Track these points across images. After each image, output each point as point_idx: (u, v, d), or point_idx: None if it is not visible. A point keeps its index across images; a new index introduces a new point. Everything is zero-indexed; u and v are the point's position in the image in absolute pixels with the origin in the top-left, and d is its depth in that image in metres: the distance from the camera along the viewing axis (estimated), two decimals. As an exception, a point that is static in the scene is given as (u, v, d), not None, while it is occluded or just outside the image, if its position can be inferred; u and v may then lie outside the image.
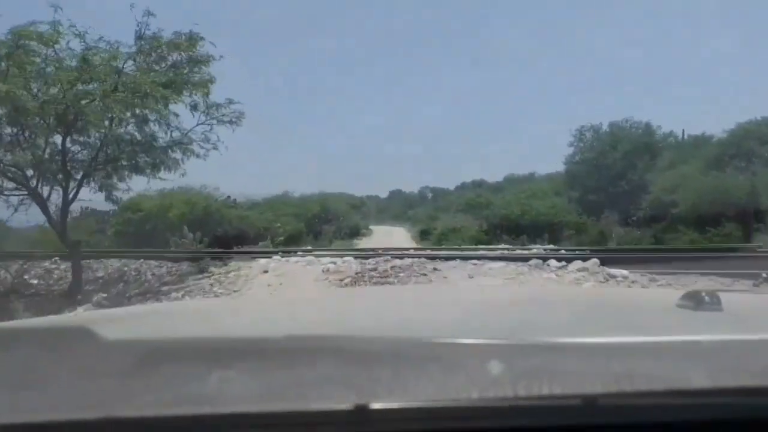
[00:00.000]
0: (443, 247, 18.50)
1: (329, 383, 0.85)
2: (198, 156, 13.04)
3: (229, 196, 24.08)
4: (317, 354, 0.97)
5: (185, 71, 12.11)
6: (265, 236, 21.10)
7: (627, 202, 31.42)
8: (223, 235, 19.42)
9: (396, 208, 72.11)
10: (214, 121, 12.77)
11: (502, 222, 20.26)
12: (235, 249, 17.34)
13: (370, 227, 52.40)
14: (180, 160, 13.15)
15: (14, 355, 1.15)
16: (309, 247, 18.36)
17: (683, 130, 36.69)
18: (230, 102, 12.90)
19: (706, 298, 1.29)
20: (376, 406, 0.74)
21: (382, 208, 74.86)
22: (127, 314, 1.86)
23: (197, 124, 12.79)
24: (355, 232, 42.64)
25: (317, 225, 34.97)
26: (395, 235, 42.24)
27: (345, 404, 0.74)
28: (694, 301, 1.29)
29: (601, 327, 1.27)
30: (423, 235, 32.21)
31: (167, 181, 13.21)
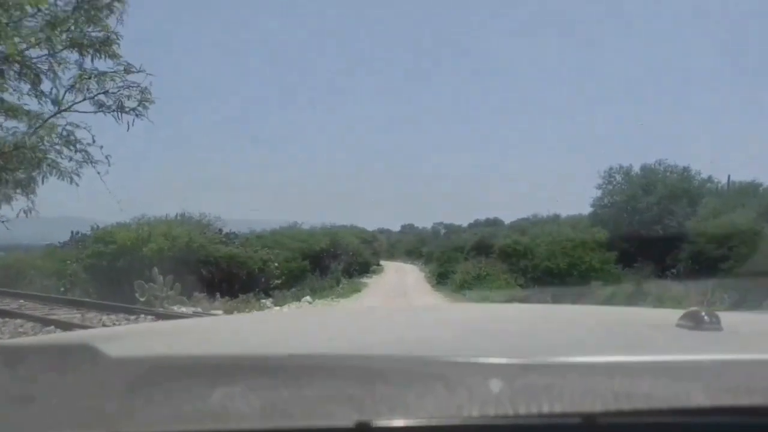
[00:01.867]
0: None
1: (331, 401, 0.84)
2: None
3: (220, 230, 20.40)
4: (320, 371, 0.94)
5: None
6: (259, 278, 17.46)
7: (663, 252, 27.62)
8: (209, 277, 15.80)
9: (408, 243, 68.62)
10: None
11: (543, 276, 16.44)
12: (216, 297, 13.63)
13: (381, 263, 48.87)
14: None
15: (16, 372, 1.11)
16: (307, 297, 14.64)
17: (729, 176, 32.78)
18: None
19: (706, 317, 1.23)
20: (378, 423, 0.73)
21: (394, 243, 71.56)
22: (129, 332, 1.75)
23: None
24: (365, 269, 39.09)
25: (325, 260, 31.47)
26: (408, 274, 38.66)
27: (347, 422, 0.73)
28: (694, 320, 1.24)
29: (601, 346, 1.23)
30: (440, 278, 28.36)
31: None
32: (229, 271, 16.10)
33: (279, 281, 18.23)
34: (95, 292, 16.16)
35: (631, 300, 22.44)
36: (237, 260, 16.67)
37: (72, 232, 27.80)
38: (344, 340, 1.36)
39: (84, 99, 9.92)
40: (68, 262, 18.56)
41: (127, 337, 1.45)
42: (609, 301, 20.58)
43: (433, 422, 0.76)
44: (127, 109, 9.94)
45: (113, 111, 9.91)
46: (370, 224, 76.90)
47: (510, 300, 16.43)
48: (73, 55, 9.60)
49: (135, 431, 0.77)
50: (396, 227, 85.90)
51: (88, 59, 9.61)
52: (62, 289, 17.71)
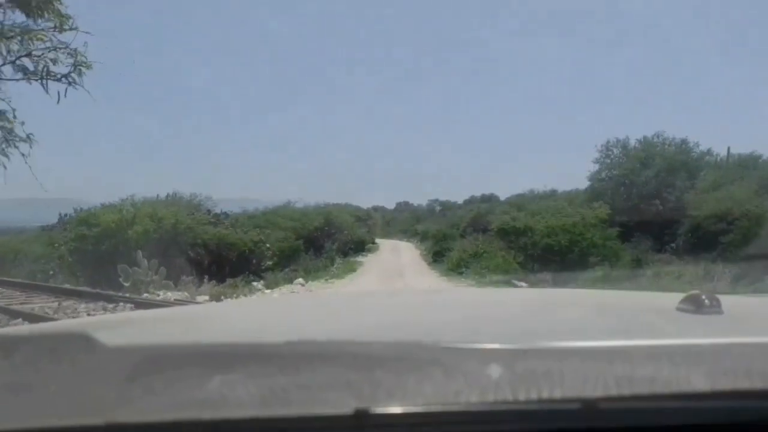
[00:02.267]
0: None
1: (330, 388, 0.83)
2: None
3: (209, 210, 19.61)
4: (317, 358, 0.95)
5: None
6: (249, 259, 16.80)
7: (661, 226, 27.05)
8: (198, 260, 15.13)
9: (403, 220, 68.01)
10: None
11: (544, 253, 15.73)
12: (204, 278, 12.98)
13: (376, 240, 48.31)
14: None
15: (14, 360, 1.10)
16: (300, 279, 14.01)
17: (728, 148, 32.12)
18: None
19: (706, 301, 1.23)
20: (376, 410, 0.73)
21: (389, 220, 70.97)
22: (127, 319, 1.83)
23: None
24: (360, 247, 38.51)
25: (319, 239, 30.83)
26: (403, 252, 38.10)
27: (345, 409, 0.73)
28: (695, 304, 1.24)
29: (601, 330, 1.23)
30: (436, 257, 27.74)
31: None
32: (219, 254, 15.42)
33: (271, 263, 17.55)
34: (81, 276, 15.51)
35: (628, 276, 21.93)
36: (226, 242, 15.94)
37: (60, 214, 26.87)
38: (342, 327, 1.35)
39: (4, 63, 8.39)
40: (56, 245, 17.88)
41: (125, 326, 1.44)
42: (607, 278, 20.06)
43: (432, 408, 0.76)
44: (57, 76, 8.27)
45: (40, 78, 8.29)
46: (365, 202, 76.13)
47: (508, 280, 15.88)
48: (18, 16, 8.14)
49: (133, 420, 0.76)
50: (391, 205, 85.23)
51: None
52: (51, 272, 17.07)
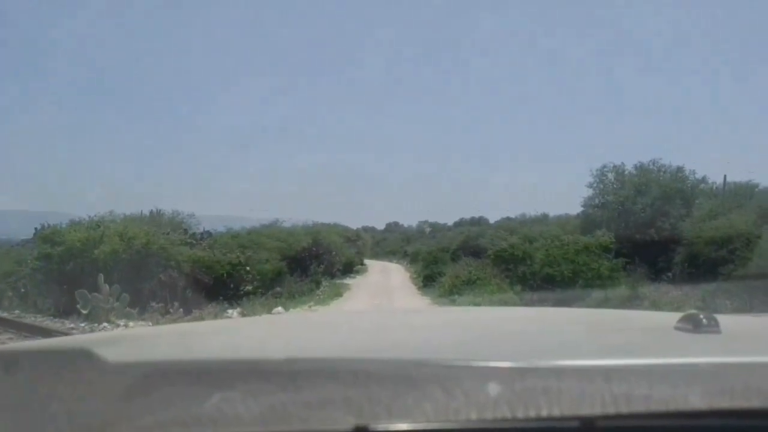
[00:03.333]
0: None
1: (329, 405, 0.84)
2: None
3: (185, 229, 18.19)
4: (317, 375, 0.93)
5: None
6: (228, 283, 15.44)
7: (656, 255, 26.04)
8: (171, 284, 13.76)
9: (393, 241, 66.80)
10: None
11: (543, 284, 14.45)
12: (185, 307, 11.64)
13: (365, 262, 47.00)
14: None
15: (16, 376, 1.10)
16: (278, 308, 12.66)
17: (725, 176, 31.32)
18: None
19: (704, 320, 1.22)
20: (376, 427, 0.73)
21: (379, 241, 69.74)
22: (127, 336, 1.78)
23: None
24: (349, 269, 37.18)
25: (306, 260, 29.48)
26: (393, 274, 36.79)
27: (345, 426, 0.72)
28: (692, 323, 1.23)
29: (599, 349, 1.22)
30: (426, 281, 26.43)
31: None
32: (194, 277, 14.10)
33: (251, 287, 16.16)
34: (48, 298, 14.06)
35: (626, 305, 20.78)
36: (203, 264, 14.60)
37: (36, 229, 25.18)
38: (342, 344, 1.34)
39: None
40: (23, 263, 16.42)
41: (125, 342, 1.43)
42: (603, 305, 18.89)
43: (431, 426, 0.75)
44: None
45: None
46: (354, 222, 74.89)
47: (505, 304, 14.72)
48: None
49: None
50: (381, 225, 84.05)
51: None
52: (10, 294, 15.54)
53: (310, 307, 16.46)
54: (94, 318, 10.79)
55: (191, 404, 0.86)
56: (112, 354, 1.08)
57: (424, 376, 0.89)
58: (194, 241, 17.01)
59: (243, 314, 13.31)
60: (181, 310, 12.15)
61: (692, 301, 22.28)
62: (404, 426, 0.74)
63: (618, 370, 0.92)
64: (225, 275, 15.26)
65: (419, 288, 25.93)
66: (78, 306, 10.96)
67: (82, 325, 10.14)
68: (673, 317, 1.29)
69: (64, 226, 16.74)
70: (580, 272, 13.88)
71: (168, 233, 16.07)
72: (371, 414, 0.77)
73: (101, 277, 11.46)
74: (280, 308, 13.35)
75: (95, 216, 22.32)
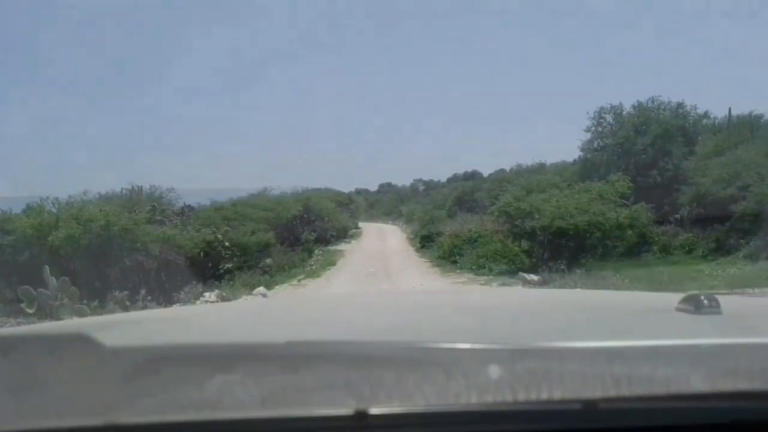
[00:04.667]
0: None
1: (330, 388, 0.82)
2: None
3: (153, 206, 16.32)
4: (318, 359, 0.93)
5: None
6: (205, 262, 13.73)
7: (660, 197, 24.47)
8: (137, 269, 12.03)
9: (387, 202, 65.09)
10: None
11: (555, 239, 12.73)
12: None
13: (360, 225, 45.38)
14: None
15: (16, 361, 1.09)
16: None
17: (729, 109, 29.48)
18: None
19: (705, 301, 1.21)
20: (376, 411, 0.72)
21: (373, 203, 68.03)
22: (127, 320, 1.79)
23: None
24: (342, 234, 35.52)
25: (298, 228, 27.76)
26: (389, 237, 35.20)
27: (346, 409, 0.72)
28: (694, 304, 1.22)
29: (600, 331, 1.22)
30: (424, 241, 24.80)
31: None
32: (165, 259, 12.42)
33: (231, 264, 14.45)
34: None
35: (634, 251, 19.26)
36: (173, 244, 12.87)
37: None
38: (342, 328, 1.33)
39: None
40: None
41: (124, 326, 1.41)
42: (608, 253, 17.34)
43: (432, 409, 0.74)
44: None
45: None
46: (347, 186, 72.82)
47: (515, 272, 13.01)
48: None
49: (133, 421, 0.74)
50: (374, 187, 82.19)
51: None
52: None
53: (299, 281, 14.81)
54: (41, 317, 9.12)
55: (191, 388, 0.83)
56: (110, 338, 1.06)
57: (425, 358, 0.87)
58: (164, 218, 15.21)
59: (222, 297, 11.65)
60: (149, 298, 10.46)
61: (705, 243, 20.80)
62: (405, 409, 0.73)
63: (619, 352, 0.91)
64: (201, 254, 13.59)
65: (417, 250, 24.35)
66: (22, 305, 9.25)
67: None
68: (675, 298, 1.27)
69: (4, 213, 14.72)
70: (596, 223, 12.24)
71: (135, 211, 14.30)
72: (372, 397, 0.76)
73: (46, 269, 9.74)
74: (261, 288, 11.71)
75: (71, 197, 20.36)
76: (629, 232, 13.78)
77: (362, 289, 12.42)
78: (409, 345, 0.96)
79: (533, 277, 12.51)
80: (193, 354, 0.99)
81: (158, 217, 14.92)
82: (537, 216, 12.57)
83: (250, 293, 11.55)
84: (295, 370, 0.87)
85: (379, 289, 12.47)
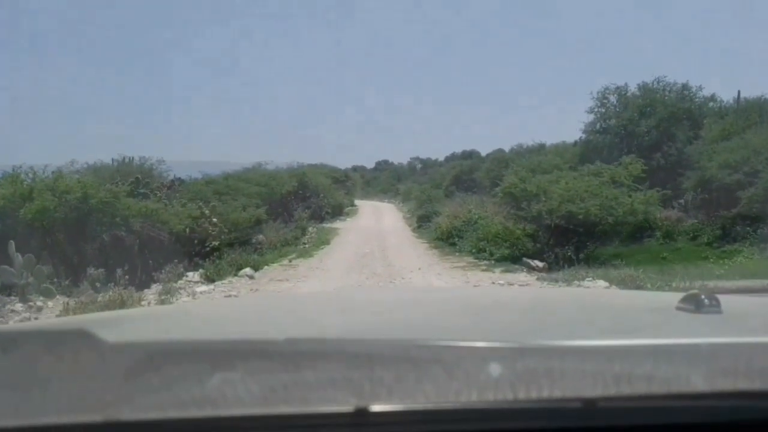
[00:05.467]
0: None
1: (330, 385, 0.82)
2: None
3: (137, 177, 15.32)
4: (318, 356, 0.92)
5: None
6: (191, 239, 12.83)
7: (663, 181, 23.70)
8: (117, 245, 11.14)
9: (384, 180, 64.11)
10: None
11: (563, 223, 11.77)
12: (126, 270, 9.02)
13: (356, 202, 44.50)
14: None
15: (15, 357, 1.07)
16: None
17: (738, 92, 28.55)
18: None
19: (706, 300, 1.20)
20: (376, 408, 0.72)
21: (369, 180, 67.05)
22: (127, 316, 1.78)
23: None
24: (338, 211, 34.66)
25: (292, 204, 26.87)
26: (385, 214, 34.33)
27: (346, 406, 0.72)
28: (694, 303, 1.21)
29: (600, 329, 1.21)
30: (421, 221, 23.93)
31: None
32: (147, 235, 11.51)
33: (217, 242, 13.52)
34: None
35: (636, 236, 18.50)
36: (157, 219, 11.92)
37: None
38: (342, 324, 1.31)
39: None
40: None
41: (125, 323, 1.40)
42: (609, 239, 16.54)
43: (432, 406, 0.74)
44: None
45: None
46: (343, 162, 72.03)
47: (518, 258, 12.13)
48: None
49: (133, 418, 0.73)
50: (370, 164, 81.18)
51: None
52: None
53: (290, 261, 13.96)
54: (6, 296, 8.27)
55: (191, 385, 0.83)
56: (111, 335, 1.06)
57: (425, 356, 0.87)
58: (148, 192, 14.22)
59: (206, 277, 10.81)
60: (127, 277, 9.60)
61: (710, 230, 20.07)
62: (405, 406, 0.73)
63: (620, 351, 0.90)
64: (187, 230, 12.67)
65: (414, 230, 23.50)
66: (-14, 284, 8.39)
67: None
68: (675, 297, 1.26)
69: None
70: (609, 208, 11.38)
71: (117, 183, 13.32)
72: (372, 394, 0.75)
73: (12, 245, 8.86)
74: (248, 270, 10.85)
75: (59, 168, 19.46)
76: (642, 218, 12.86)
77: (357, 272, 11.58)
78: (410, 342, 0.96)
79: (538, 263, 11.69)
80: (194, 351, 0.98)
81: (142, 190, 13.96)
82: (544, 199, 11.72)
83: (236, 274, 10.70)
84: (296, 367, 0.86)
85: (374, 271, 11.62)
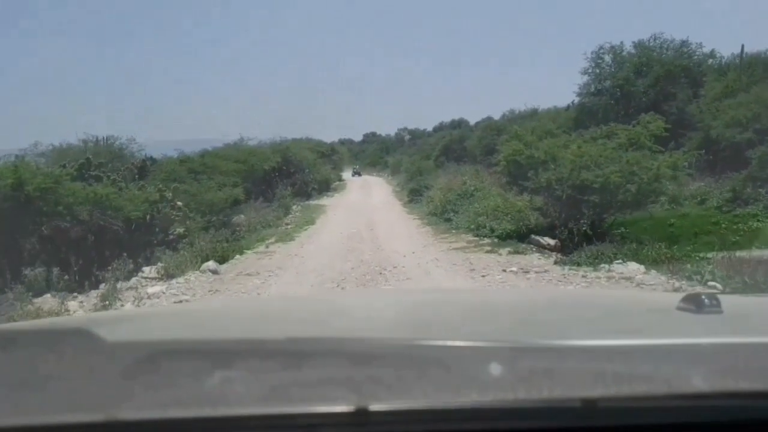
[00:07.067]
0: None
1: (330, 384, 0.81)
2: None
3: (88, 158, 13.31)
4: (318, 355, 0.92)
5: None
6: (152, 226, 11.04)
7: (664, 143, 22.15)
8: (61, 238, 9.35)
9: (372, 152, 62.10)
10: None
11: (576, 194, 10.00)
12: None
13: (343, 177, 42.60)
14: None
15: (15, 356, 1.07)
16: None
17: (742, 46, 26.75)
18: None
19: (706, 300, 1.18)
20: (376, 407, 0.71)
21: (357, 153, 65.02)
22: (127, 316, 1.73)
23: None
24: (325, 187, 32.84)
25: (275, 181, 25.04)
26: (374, 189, 32.54)
27: (346, 406, 0.71)
28: (695, 303, 1.18)
29: (601, 329, 1.19)
30: (412, 195, 22.21)
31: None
32: (97, 225, 9.74)
33: (182, 229, 11.73)
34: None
35: (642, 202, 16.99)
36: (107, 206, 10.11)
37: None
38: (343, 324, 1.29)
39: None
40: None
41: (125, 322, 1.38)
42: (608, 203, 14.95)
43: (432, 406, 0.73)
44: None
45: None
46: (330, 136, 69.89)
47: (526, 235, 10.40)
48: None
49: (133, 417, 0.73)
50: (358, 137, 78.90)
51: None
52: None
53: (267, 246, 12.22)
54: None
55: (191, 384, 0.82)
56: (111, 334, 1.06)
57: (426, 355, 0.86)
58: (101, 174, 12.31)
59: (166, 271, 9.08)
60: (66, 277, 7.85)
61: (719, 194, 18.54)
62: (405, 405, 0.72)
63: (620, 351, 0.89)
64: (147, 217, 10.90)
65: (405, 204, 21.81)
66: None
67: None
68: (676, 297, 1.24)
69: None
70: (632, 174, 9.74)
71: (65, 166, 11.45)
72: (372, 394, 0.75)
73: None
74: (211, 263, 9.11)
75: (21, 151, 17.51)
76: (668, 185, 11.22)
77: (341, 260, 9.89)
78: (410, 342, 0.95)
79: (549, 240, 10.04)
80: (194, 349, 0.97)
81: (93, 172, 12.10)
82: (553, 166, 10.07)
83: (197, 269, 8.98)
84: (296, 367, 0.86)
85: (361, 258, 9.92)
